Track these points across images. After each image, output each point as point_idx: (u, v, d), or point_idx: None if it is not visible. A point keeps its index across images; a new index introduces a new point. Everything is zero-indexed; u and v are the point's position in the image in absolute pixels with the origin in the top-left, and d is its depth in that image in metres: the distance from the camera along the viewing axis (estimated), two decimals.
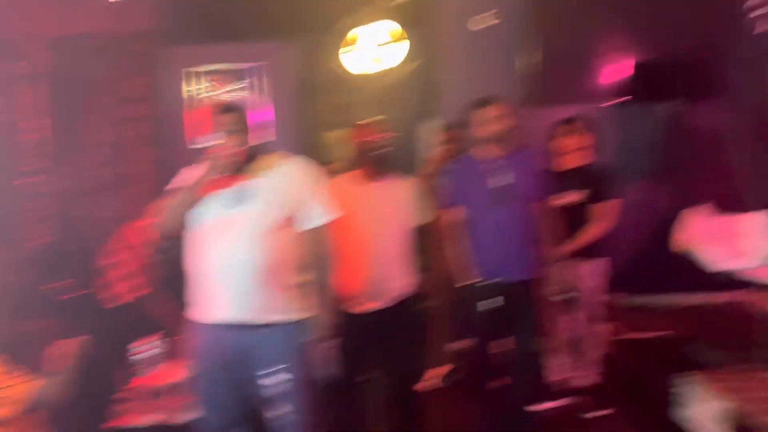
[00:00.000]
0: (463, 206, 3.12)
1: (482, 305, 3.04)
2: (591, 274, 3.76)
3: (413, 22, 5.17)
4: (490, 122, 3.03)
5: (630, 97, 5.18)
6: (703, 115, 5.37)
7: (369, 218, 3.03)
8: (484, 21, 5.16)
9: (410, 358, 3.19)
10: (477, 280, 3.07)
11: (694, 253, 4.51)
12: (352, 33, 5.17)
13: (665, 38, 5.16)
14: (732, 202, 5.03)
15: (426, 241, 3.28)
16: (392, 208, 3.08)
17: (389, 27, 5.08)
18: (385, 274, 3.05)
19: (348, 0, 5.09)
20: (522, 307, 3.07)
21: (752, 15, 4.26)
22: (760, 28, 4.26)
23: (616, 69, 5.18)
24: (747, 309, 4.75)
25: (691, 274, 5.19)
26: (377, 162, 3.07)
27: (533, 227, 3.07)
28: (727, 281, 4.43)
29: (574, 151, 3.84)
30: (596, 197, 3.77)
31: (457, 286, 3.25)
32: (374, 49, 5.19)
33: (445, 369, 4.27)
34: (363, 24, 5.12)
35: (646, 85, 5.18)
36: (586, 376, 3.95)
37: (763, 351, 3.61)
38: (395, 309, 3.07)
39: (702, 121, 5.39)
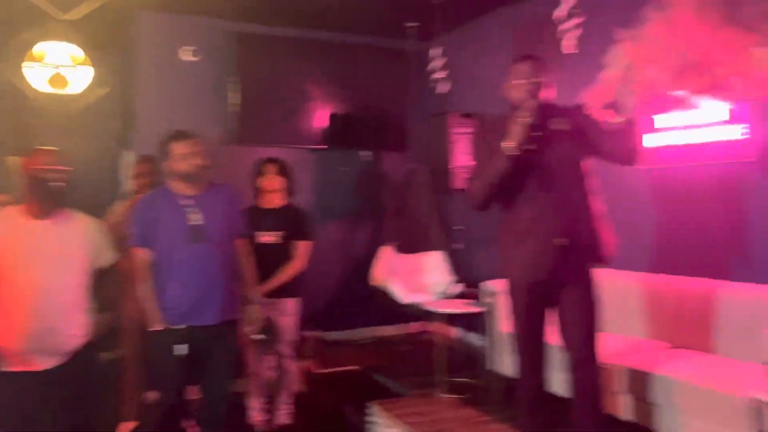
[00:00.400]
0: (154, 245, 2.87)
1: (170, 352, 2.80)
2: (287, 313, 3.79)
3: (105, 47, 4.80)
4: (185, 157, 2.86)
5: (327, 144, 5.47)
6: (390, 163, 5.95)
7: (35, 260, 2.60)
8: (185, 56, 5.01)
9: (93, 416, 2.80)
10: (167, 325, 2.83)
11: (388, 287, 4.91)
12: (38, 48, 4.58)
13: (360, 92, 5.61)
14: (414, 243, 5.63)
15: (109, 284, 2.94)
16: (64, 248, 2.68)
17: (72, 49, 4.63)
18: (56, 326, 2.63)
19: (28, 13, 4.49)
20: (216, 351, 2.91)
21: (434, 77, 4.87)
22: (440, 89, 4.89)
23: (316, 116, 5.45)
24: (429, 338, 5.33)
25: (384, 307, 5.63)
26: (48, 196, 2.66)
27: (229, 267, 2.96)
28: (414, 313, 4.91)
29: (273, 192, 3.87)
30: (293, 237, 3.84)
31: (147, 331, 2.95)
32: (61, 69, 4.65)
33: (131, 425, 3.88)
34: (47, 40, 4.56)
35: (341, 134, 5.53)
36: (284, 414, 3.94)
37: (443, 376, 4.04)
38: (71, 364, 2.67)
39: (389, 169, 5.96)
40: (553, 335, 2.76)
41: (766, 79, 3.08)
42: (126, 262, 3.04)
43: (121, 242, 3.56)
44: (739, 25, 3.19)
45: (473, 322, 5.10)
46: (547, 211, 2.59)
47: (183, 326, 2.81)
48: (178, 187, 2.92)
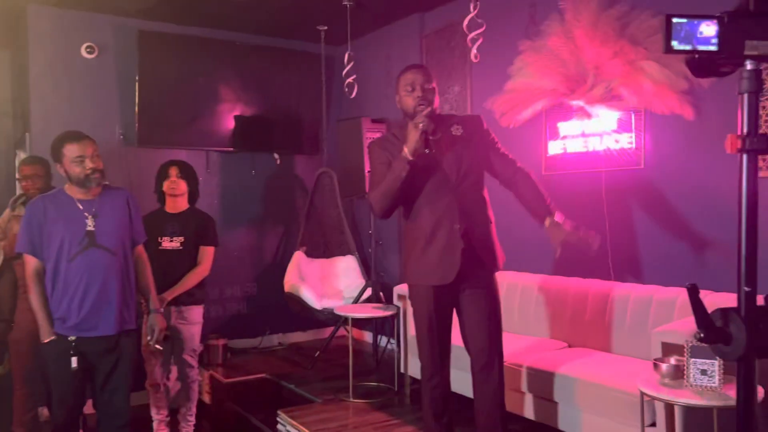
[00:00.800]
0: (46, 252, 2.69)
1: (64, 365, 2.64)
2: (190, 321, 3.68)
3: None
4: (79, 161, 2.71)
5: (233, 146, 5.34)
6: (302, 167, 5.90)
7: None
8: (82, 53, 4.76)
9: None
10: (61, 336, 2.67)
11: (299, 293, 4.85)
12: None
13: (271, 95, 5.52)
14: (325, 247, 5.60)
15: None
16: None
17: None
18: None
19: None
20: (114, 362, 2.77)
21: (347, 82, 4.86)
22: (352, 93, 4.88)
23: (223, 118, 5.31)
24: (341, 343, 5.31)
25: (295, 313, 5.56)
26: None
27: (126, 274, 2.82)
28: (326, 318, 4.88)
29: (176, 195, 3.74)
30: (197, 242, 3.73)
31: (39, 344, 2.77)
32: None
33: None
34: None
35: (248, 136, 5.41)
36: (188, 426, 3.82)
37: (353, 381, 4.03)
38: None
39: (300, 173, 5.91)
40: (455, 337, 2.82)
41: (652, 91, 3.29)
42: (20, 269, 2.85)
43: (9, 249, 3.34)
44: (629, 41, 3.39)
45: (385, 326, 5.14)
46: (447, 215, 2.65)
47: (83, 335, 2.67)
48: (72, 191, 2.77)
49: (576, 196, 3.91)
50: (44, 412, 3.98)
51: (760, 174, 2.85)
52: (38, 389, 3.75)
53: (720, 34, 1.05)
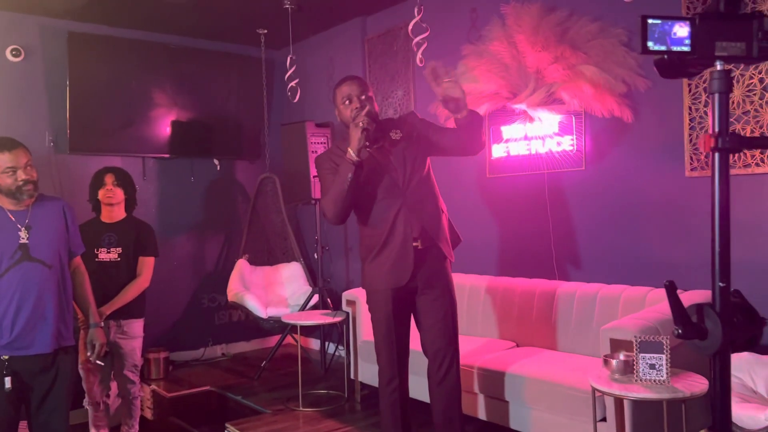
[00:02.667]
0: None
1: None
2: (130, 335, 3.53)
3: None
4: (9, 171, 2.54)
5: (169, 152, 5.17)
6: (243, 173, 5.77)
7: None
8: (8, 57, 4.51)
9: None
10: None
11: (243, 301, 4.73)
12: None
13: (210, 99, 5.38)
14: (269, 254, 5.50)
15: None
16: None
17: None
18: None
19: None
20: (50, 381, 2.61)
21: (289, 86, 4.77)
22: (294, 97, 4.80)
23: (160, 124, 5.13)
24: (288, 352, 5.22)
25: (240, 323, 5.43)
26: None
27: (63, 288, 2.66)
28: (272, 327, 4.78)
29: (113, 204, 3.58)
30: (136, 253, 3.58)
31: None
32: None
33: None
34: None
35: (185, 142, 5.25)
36: None
37: (302, 390, 3.96)
38: None
39: (242, 179, 5.78)
40: (413, 340, 2.82)
41: (592, 95, 3.39)
42: None
43: None
44: (569, 45, 3.48)
45: (332, 333, 5.08)
46: (400, 219, 2.68)
47: (8, 356, 2.50)
48: (3, 201, 2.60)
49: (520, 198, 3.98)
50: None
51: (760, 170, 2.98)
52: None
53: (692, 36, 1.07)
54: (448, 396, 2.75)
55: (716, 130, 1.08)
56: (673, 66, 1.11)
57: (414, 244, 2.67)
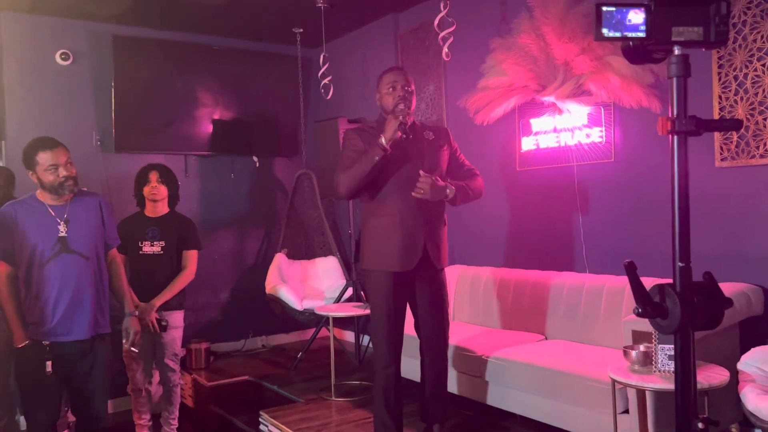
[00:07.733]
0: (18, 258, 2.70)
1: (38, 371, 2.65)
2: (171, 325, 3.68)
3: None
4: (51, 168, 2.71)
5: (211, 150, 5.35)
6: (281, 169, 5.91)
7: None
8: (58, 61, 4.76)
9: None
10: (35, 340, 2.67)
11: (281, 294, 4.86)
12: None
13: (249, 98, 5.52)
14: (306, 249, 5.62)
15: None
16: None
17: None
18: None
19: None
20: (89, 367, 2.77)
21: (323, 83, 4.87)
22: (328, 94, 4.89)
23: (201, 122, 5.31)
24: (323, 344, 5.32)
25: (278, 315, 5.56)
26: None
27: (100, 279, 2.82)
28: (308, 320, 4.89)
29: (156, 200, 3.75)
30: (179, 246, 3.74)
31: (14, 349, 2.77)
32: None
33: None
34: None
35: (227, 140, 5.42)
36: (171, 430, 3.82)
37: (335, 380, 4.05)
38: None
39: (280, 175, 5.92)
40: (408, 325, 3.00)
41: (620, 86, 3.35)
42: None
43: None
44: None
45: (366, 325, 5.16)
46: (413, 208, 2.82)
47: (58, 340, 2.68)
48: (44, 197, 2.77)
49: (550, 190, 3.96)
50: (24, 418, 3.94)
51: (759, 161, 2.94)
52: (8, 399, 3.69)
53: (648, 22, 1.09)
54: (437, 379, 3.03)
55: (674, 113, 1.10)
56: (637, 52, 1.12)
57: (422, 235, 2.83)
